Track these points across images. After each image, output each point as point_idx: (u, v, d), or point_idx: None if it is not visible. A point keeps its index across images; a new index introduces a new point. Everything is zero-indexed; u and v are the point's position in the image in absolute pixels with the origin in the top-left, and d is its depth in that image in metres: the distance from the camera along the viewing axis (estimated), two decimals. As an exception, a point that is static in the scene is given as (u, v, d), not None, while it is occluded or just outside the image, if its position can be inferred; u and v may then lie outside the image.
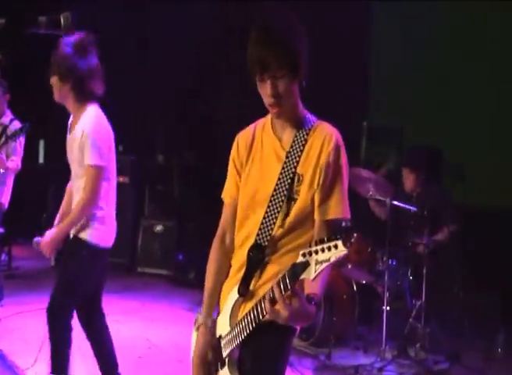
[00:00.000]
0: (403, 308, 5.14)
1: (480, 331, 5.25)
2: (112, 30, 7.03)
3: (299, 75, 2.13)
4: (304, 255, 1.82)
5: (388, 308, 4.91)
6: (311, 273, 1.80)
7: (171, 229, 7.81)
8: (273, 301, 1.92)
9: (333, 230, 2.11)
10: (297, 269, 1.83)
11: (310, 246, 1.81)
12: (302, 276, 1.83)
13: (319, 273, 1.79)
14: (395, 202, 4.99)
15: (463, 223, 5.21)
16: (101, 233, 3.55)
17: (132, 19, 8.49)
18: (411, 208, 5.03)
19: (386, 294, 4.93)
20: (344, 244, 1.73)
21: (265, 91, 2.12)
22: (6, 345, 4.83)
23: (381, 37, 7.91)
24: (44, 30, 1.70)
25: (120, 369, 3.80)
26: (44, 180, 8.87)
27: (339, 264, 5.30)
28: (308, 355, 4.94)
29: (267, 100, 2.15)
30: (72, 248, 3.60)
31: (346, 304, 5.19)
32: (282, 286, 1.89)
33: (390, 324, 4.92)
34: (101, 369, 3.79)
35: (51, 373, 3.64)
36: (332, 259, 1.75)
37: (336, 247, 1.74)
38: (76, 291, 3.63)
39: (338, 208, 2.15)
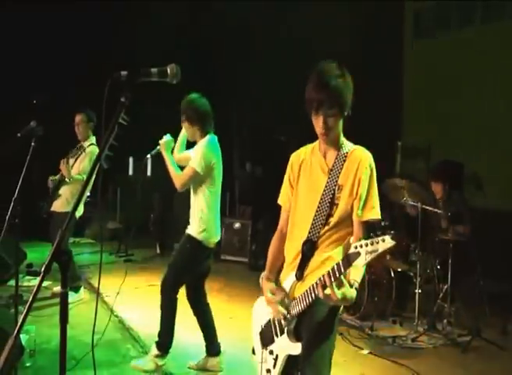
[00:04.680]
0: (432, 291, 5.04)
1: (496, 311, 5.08)
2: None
3: (346, 112, 2.19)
4: (356, 247, 1.86)
5: (419, 291, 4.85)
6: (361, 262, 1.84)
7: (246, 226, 7.89)
8: (324, 287, 1.97)
9: (368, 228, 2.17)
10: (351, 258, 1.87)
11: (359, 240, 1.85)
12: (354, 264, 1.86)
13: (368, 261, 1.83)
14: (425, 206, 4.90)
15: (473, 225, 5.07)
16: (204, 232, 3.62)
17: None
18: (438, 211, 4.95)
19: (418, 280, 4.86)
20: (391, 238, 1.79)
21: (318, 123, 2.20)
22: (127, 313, 5.02)
23: (411, 71, 7.79)
24: (155, 79, 1.75)
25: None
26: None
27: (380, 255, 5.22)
28: (355, 327, 4.88)
29: (319, 130, 2.22)
30: (182, 242, 3.72)
31: (386, 287, 5.12)
32: (334, 273, 1.94)
33: (421, 304, 4.85)
34: (205, 338, 3.85)
35: (159, 335, 3.74)
36: (380, 250, 1.80)
37: (383, 240, 1.80)
38: (181, 276, 3.71)
39: (372, 211, 2.19)
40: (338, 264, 1.94)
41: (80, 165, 5.24)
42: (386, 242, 1.79)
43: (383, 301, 5.10)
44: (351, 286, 2.02)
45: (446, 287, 4.83)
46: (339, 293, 1.95)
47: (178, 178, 3.60)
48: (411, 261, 5.09)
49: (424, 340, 4.63)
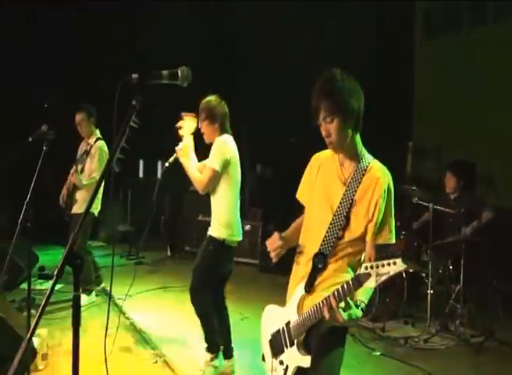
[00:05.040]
0: (444, 292, 5.00)
1: (510, 311, 5.03)
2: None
3: (348, 117, 2.11)
4: (366, 267, 1.82)
5: (431, 291, 4.81)
6: (371, 284, 1.81)
7: (256, 228, 7.88)
8: (330, 308, 1.95)
9: (382, 249, 2.08)
10: (361, 279, 1.84)
11: (370, 261, 1.81)
12: (364, 285, 1.83)
13: (379, 283, 1.80)
14: (436, 206, 4.88)
15: (496, 214, 5.02)
16: (226, 229, 3.60)
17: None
18: (450, 210, 4.92)
19: (430, 280, 4.83)
20: (403, 262, 1.75)
21: (322, 132, 2.17)
22: (138, 316, 5.02)
23: (423, 70, 7.74)
24: (166, 81, 1.75)
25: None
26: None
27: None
28: (367, 328, 4.85)
29: (325, 139, 2.18)
30: (204, 244, 3.69)
31: (397, 288, 5.08)
32: (340, 294, 1.92)
33: (433, 304, 4.81)
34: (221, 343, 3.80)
35: (205, 341, 3.73)
36: (391, 273, 1.77)
37: (394, 263, 1.76)
38: (208, 279, 3.67)
39: (387, 236, 2.15)
40: (347, 284, 1.90)
41: (91, 165, 5.29)
42: (398, 265, 1.75)
43: (395, 301, 5.07)
44: (357, 306, 1.99)
45: (458, 287, 4.80)
46: (345, 315, 1.92)
47: (199, 182, 3.56)
48: (423, 261, 5.06)
49: (436, 341, 4.60)
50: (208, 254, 3.63)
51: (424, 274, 5.09)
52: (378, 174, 2.16)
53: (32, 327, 1.48)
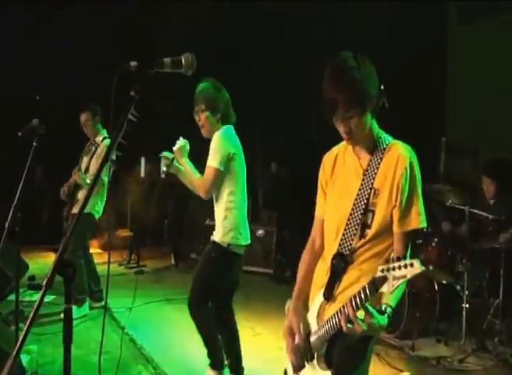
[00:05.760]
0: (481, 306, 4.94)
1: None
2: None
3: (369, 107, 2.07)
4: (382, 270, 1.80)
5: (467, 305, 4.77)
6: (389, 287, 1.79)
7: (270, 233, 7.87)
8: (348, 319, 1.92)
9: (412, 240, 2.10)
10: (377, 283, 1.82)
11: (388, 262, 1.79)
12: (380, 290, 1.81)
13: (396, 287, 1.77)
14: (473, 210, 4.84)
15: None
16: (231, 232, 3.53)
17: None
18: (488, 215, 4.88)
19: (466, 293, 4.79)
20: (421, 263, 1.72)
21: (340, 127, 2.12)
22: (135, 330, 5.02)
23: (457, 60, 7.68)
24: (169, 69, 1.75)
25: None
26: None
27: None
28: (394, 347, 4.82)
29: (342, 134, 2.14)
30: (206, 251, 3.64)
31: (428, 301, 5.04)
32: (357, 302, 1.89)
33: (469, 320, 4.76)
34: (228, 361, 3.77)
35: (209, 357, 3.72)
36: (408, 276, 1.75)
37: (411, 265, 1.73)
38: (209, 291, 3.62)
39: (416, 220, 2.10)
40: (363, 289, 1.87)
41: (96, 162, 5.39)
42: (415, 267, 1.72)
43: (426, 317, 5.02)
44: (383, 312, 1.94)
45: (497, 301, 4.75)
46: (363, 325, 1.88)
47: (201, 185, 3.50)
48: (458, 272, 5.03)
49: (472, 361, 4.55)
50: (211, 262, 3.56)
51: (458, 286, 5.05)
52: (398, 152, 2.11)
53: (19, 343, 1.48)
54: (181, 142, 3.57)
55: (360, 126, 2.09)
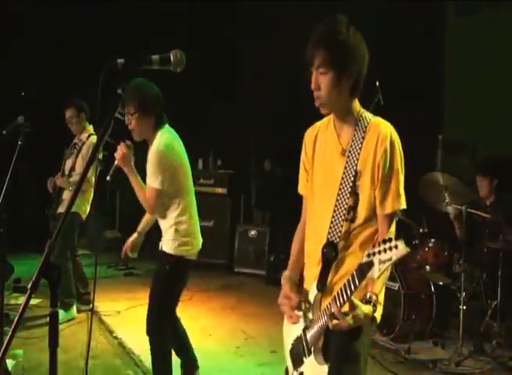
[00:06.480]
0: (479, 308, 4.97)
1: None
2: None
3: (345, 75, 2.09)
4: (368, 255, 1.82)
5: (464, 307, 4.78)
6: (375, 272, 1.80)
7: (263, 234, 7.88)
8: (333, 316, 1.95)
9: (392, 223, 2.12)
10: (364, 268, 1.83)
11: (373, 246, 1.80)
12: (368, 275, 1.82)
13: (383, 271, 1.79)
14: (471, 210, 4.86)
15: None
16: (184, 245, 3.40)
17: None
18: (486, 215, 4.90)
19: (463, 295, 4.81)
20: (405, 244, 1.72)
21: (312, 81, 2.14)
22: (124, 334, 5.01)
23: (454, 53, 7.70)
24: (157, 66, 1.75)
25: (219, 358, 3.74)
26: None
27: (417, 266, 5.21)
28: (389, 350, 4.85)
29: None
30: (158, 264, 3.52)
31: (424, 303, 5.08)
32: (342, 295, 1.92)
33: (466, 323, 4.77)
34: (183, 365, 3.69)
35: None
36: (394, 259, 1.75)
37: (396, 247, 1.74)
38: (169, 304, 3.46)
39: (396, 202, 2.11)
40: (351, 277, 1.89)
41: (82, 161, 5.37)
42: (400, 249, 1.73)
43: (422, 319, 5.06)
44: (368, 302, 1.98)
45: (495, 303, 4.78)
46: (349, 320, 1.92)
47: (144, 203, 3.30)
48: (454, 273, 5.03)
49: (469, 364, 4.57)
50: (167, 276, 3.38)
51: (455, 288, 5.06)
52: (377, 131, 2.11)
53: (4, 347, 1.49)
54: (124, 148, 3.24)
55: (330, 89, 2.09)
